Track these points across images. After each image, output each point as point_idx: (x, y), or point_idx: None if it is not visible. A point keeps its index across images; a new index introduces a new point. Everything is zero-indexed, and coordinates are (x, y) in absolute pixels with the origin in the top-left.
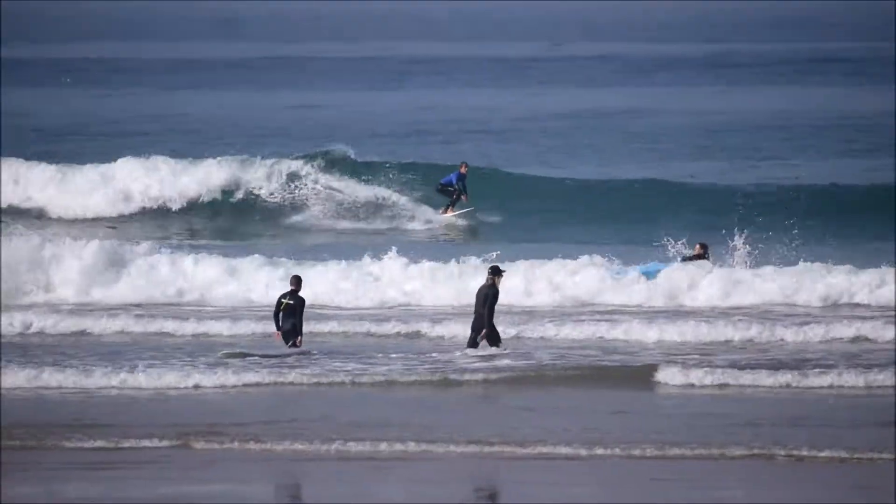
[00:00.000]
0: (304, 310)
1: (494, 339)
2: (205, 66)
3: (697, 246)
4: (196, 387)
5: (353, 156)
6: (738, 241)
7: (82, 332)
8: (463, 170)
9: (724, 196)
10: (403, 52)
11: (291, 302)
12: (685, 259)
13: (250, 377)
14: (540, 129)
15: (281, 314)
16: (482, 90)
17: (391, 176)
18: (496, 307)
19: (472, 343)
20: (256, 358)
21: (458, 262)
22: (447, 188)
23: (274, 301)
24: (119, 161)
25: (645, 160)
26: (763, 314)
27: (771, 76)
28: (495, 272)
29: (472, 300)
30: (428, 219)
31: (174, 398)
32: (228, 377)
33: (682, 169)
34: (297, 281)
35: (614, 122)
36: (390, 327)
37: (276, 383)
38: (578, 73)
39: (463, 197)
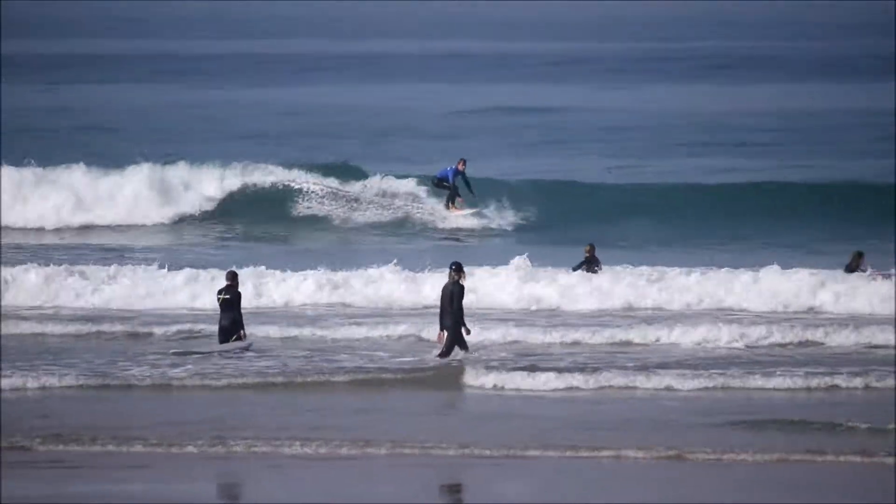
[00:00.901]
0: (241, 303)
1: (461, 341)
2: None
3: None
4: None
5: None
6: None
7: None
8: (461, 166)
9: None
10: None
11: (228, 296)
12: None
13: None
14: (479, 126)
15: (220, 311)
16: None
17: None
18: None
19: (447, 352)
20: (201, 356)
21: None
22: (443, 183)
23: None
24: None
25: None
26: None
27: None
28: (458, 269)
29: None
30: (444, 217)
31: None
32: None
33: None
34: (232, 276)
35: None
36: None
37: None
38: (541, 70)
39: (472, 194)
